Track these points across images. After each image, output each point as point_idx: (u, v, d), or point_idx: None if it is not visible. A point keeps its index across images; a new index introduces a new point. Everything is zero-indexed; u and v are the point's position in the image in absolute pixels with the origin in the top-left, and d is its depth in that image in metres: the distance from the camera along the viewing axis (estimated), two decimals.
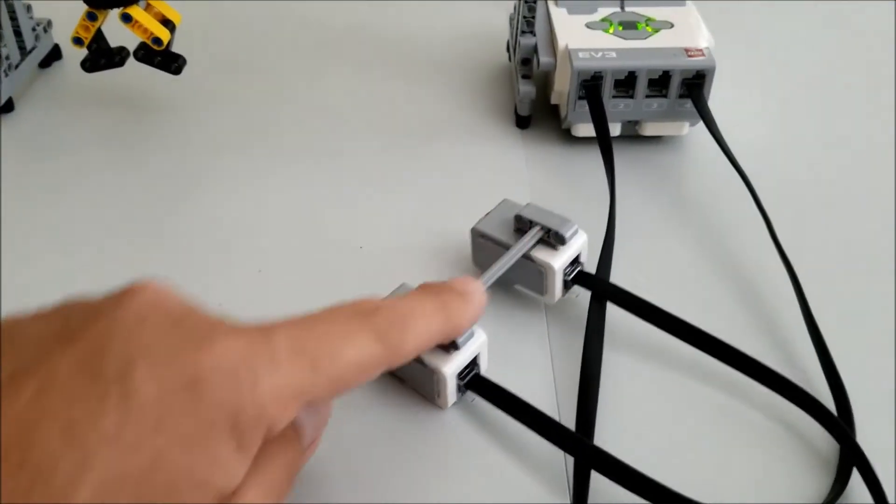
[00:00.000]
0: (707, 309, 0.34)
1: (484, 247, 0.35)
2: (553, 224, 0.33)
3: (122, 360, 0.19)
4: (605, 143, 0.40)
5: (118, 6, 0.41)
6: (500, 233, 0.34)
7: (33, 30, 0.48)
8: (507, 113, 0.48)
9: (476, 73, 0.51)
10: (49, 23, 0.50)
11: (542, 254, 0.33)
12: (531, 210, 0.34)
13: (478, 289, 0.28)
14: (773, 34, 0.55)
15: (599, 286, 0.33)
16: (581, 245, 0.34)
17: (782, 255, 0.35)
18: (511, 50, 0.49)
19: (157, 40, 0.42)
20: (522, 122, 0.46)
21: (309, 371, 0.21)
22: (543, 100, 0.46)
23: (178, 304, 0.22)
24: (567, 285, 0.34)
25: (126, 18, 0.41)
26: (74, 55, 0.51)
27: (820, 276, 0.36)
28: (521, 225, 0.34)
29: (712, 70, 0.41)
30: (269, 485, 0.22)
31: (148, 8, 0.42)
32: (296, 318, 0.23)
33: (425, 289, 0.27)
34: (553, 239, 0.33)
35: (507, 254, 0.33)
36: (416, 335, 0.25)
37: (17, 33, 0.47)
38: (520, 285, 0.35)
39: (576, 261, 0.34)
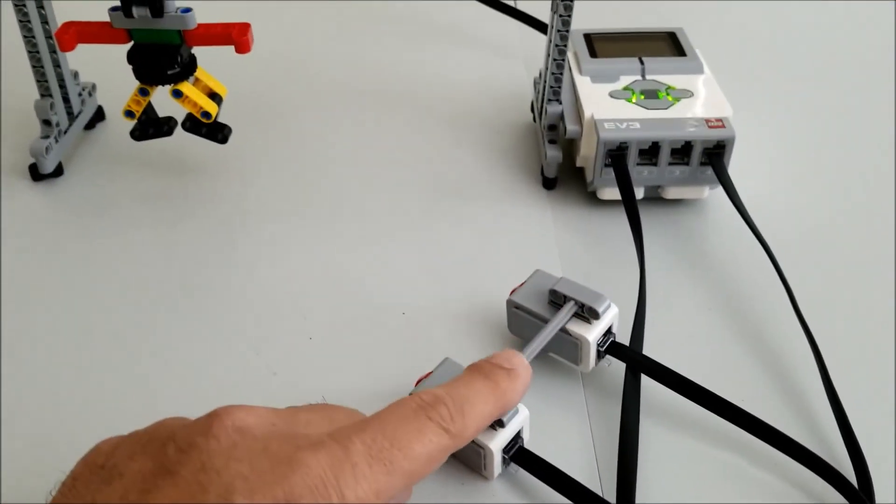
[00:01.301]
0: (732, 377, 0.36)
1: (520, 317, 0.37)
2: (587, 300, 0.35)
3: (222, 491, 0.21)
4: (632, 213, 0.43)
5: (170, 83, 0.43)
6: (536, 304, 0.37)
7: (80, 94, 0.50)
8: (533, 172, 0.50)
9: (501, 131, 0.53)
10: (94, 86, 0.52)
11: (576, 327, 0.35)
12: (565, 285, 0.36)
13: (523, 365, 0.30)
14: (789, 98, 0.57)
15: (634, 358, 0.36)
16: (613, 317, 0.36)
17: (802, 322, 0.37)
18: (537, 112, 0.52)
19: (206, 114, 0.44)
20: (549, 184, 0.48)
21: (386, 474, 0.23)
22: (569, 161, 0.49)
23: (261, 426, 0.24)
24: (600, 355, 0.36)
25: (177, 94, 0.44)
26: (117, 116, 0.53)
27: (839, 341, 0.38)
28: (556, 299, 0.36)
29: (732, 140, 0.44)
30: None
31: (196, 82, 0.45)
32: (366, 421, 0.25)
33: (475, 371, 0.29)
34: (587, 313, 0.35)
35: (546, 329, 0.35)
36: (476, 420, 0.27)
37: (66, 99, 0.49)
38: (554, 354, 0.37)
39: (608, 332, 0.36)
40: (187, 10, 0.42)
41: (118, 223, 0.46)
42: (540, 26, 0.61)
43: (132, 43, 0.43)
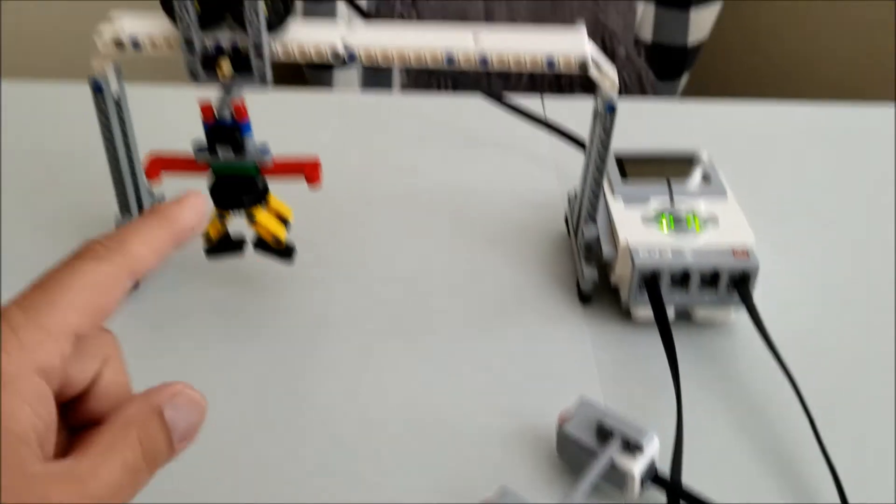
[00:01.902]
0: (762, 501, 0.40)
1: (570, 447, 0.41)
2: (632, 434, 0.39)
3: None
4: (667, 338, 0.47)
5: (246, 208, 0.47)
6: (584, 434, 0.40)
7: (151, 205, 0.54)
8: (569, 285, 0.54)
9: (536, 241, 0.58)
10: (164, 198, 0.56)
11: (622, 459, 0.39)
12: (611, 419, 0.40)
13: (172, 203, 0.30)
14: (809, 219, 0.61)
15: (675, 490, 0.40)
16: (655, 449, 0.40)
17: (823, 451, 0.41)
18: (571, 228, 0.56)
19: (277, 239, 0.48)
20: (585, 299, 0.53)
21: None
22: (603, 276, 0.53)
23: None
24: (643, 484, 0.40)
25: (251, 220, 0.48)
26: None
27: (859, 470, 0.42)
28: (603, 431, 0.40)
29: (756, 270, 0.48)
30: (104, 487, 0.25)
31: (267, 206, 0.49)
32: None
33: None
34: (632, 446, 0.39)
35: (595, 467, 0.39)
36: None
37: (140, 211, 0.53)
38: (601, 479, 0.41)
39: (651, 462, 0.40)
40: (264, 147, 0.46)
41: (192, 337, 0.50)
42: (569, 137, 0.65)
43: (213, 174, 0.47)
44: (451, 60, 0.45)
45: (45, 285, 0.26)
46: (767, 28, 1.45)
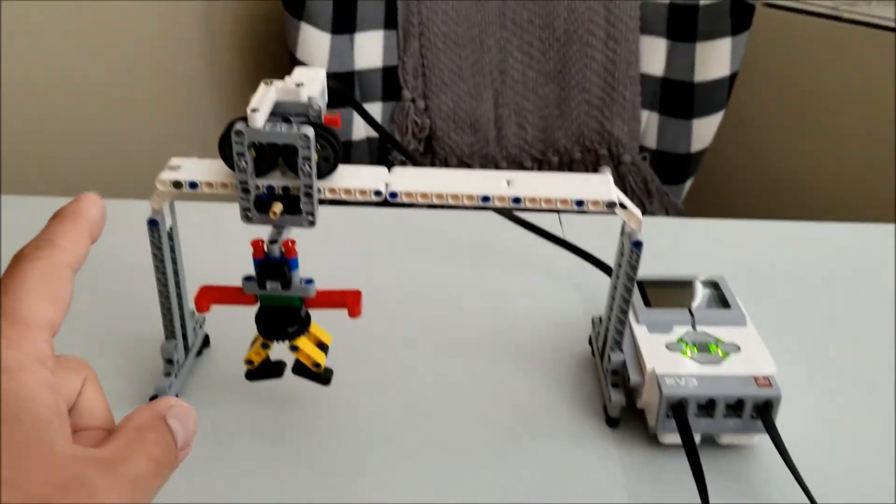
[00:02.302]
0: None
1: None
2: None
3: None
4: (695, 464, 0.48)
5: (289, 339, 0.49)
6: None
7: (194, 328, 0.57)
8: (595, 408, 0.56)
9: (561, 361, 0.60)
10: (203, 319, 0.58)
11: None
12: None
13: (80, 199, 0.33)
14: (831, 346, 0.63)
15: None
16: None
17: None
18: (597, 352, 0.58)
19: (317, 365, 0.50)
20: (613, 423, 0.54)
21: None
22: (629, 399, 0.55)
23: None
24: None
25: (293, 348, 0.50)
26: (222, 342, 0.59)
27: None
28: None
29: (778, 399, 0.50)
30: (134, 473, 0.26)
31: (307, 334, 0.51)
32: None
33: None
34: None
35: None
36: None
37: (184, 336, 0.55)
38: None
39: None
40: (309, 280, 0.49)
41: (227, 457, 0.51)
42: (591, 258, 0.68)
43: (259, 305, 0.50)
44: (486, 200, 0.48)
45: (3, 289, 0.28)
46: (768, 138, 1.51)
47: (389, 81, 1.28)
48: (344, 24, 1.22)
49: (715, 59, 1.20)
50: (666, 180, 1.29)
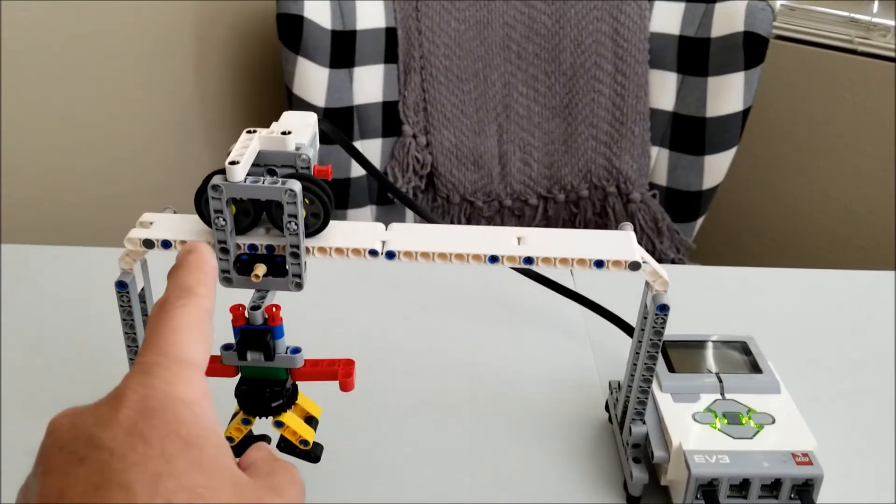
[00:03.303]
0: None
1: None
2: None
3: None
4: None
5: (273, 415, 0.44)
6: None
7: None
8: (614, 481, 0.50)
9: (575, 427, 0.54)
10: None
11: None
12: None
13: (196, 249, 0.36)
14: (874, 412, 0.57)
15: None
16: None
17: None
18: (615, 420, 0.53)
19: (305, 442, 0.45)
20: (634, 502, 0.49)
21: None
22: (651, 473, 0.49)
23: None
24: None
25: (278, 424, 0.45)
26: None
27: None
28: None
29: (820, 479, 0.45)
30: (292, 499, 0.30)
31: (294, 407, 0.46)
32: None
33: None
34: None
35: None
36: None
37: None
38: None
39: None
40: (297, 349, 0.44)
41: None
42: (604, 312, 0.63)
43: (239, 376, 0.44)
44: (494, 260, 0.43)
45: (160, 333, 0.31)
46: (782, 174, 1.46)
47: (390, 117, 1.24)
48: (342, 58, 1.18)
49: (727, 93, 1.16)
50: (677, 218, 1.24)
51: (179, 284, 0.34)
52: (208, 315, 0.33)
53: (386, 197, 1.27)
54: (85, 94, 1.05)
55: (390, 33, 1.21)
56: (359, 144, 1.23)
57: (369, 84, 1.22)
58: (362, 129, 1.23)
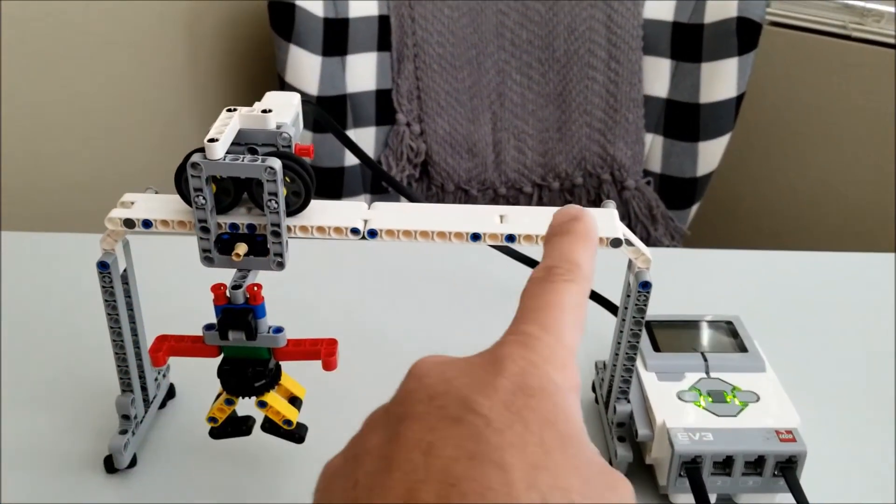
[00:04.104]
0: None
1: None
2: None
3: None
4: None
5: (256, 395, 0.44)
6: None
7: (156, 379, 0.51)
8: None
9: None
10: (168, 368, 0.53)
11: None
12: None
13: (585, 218, 0.33)
14: (859, 392, 0.57)
15: None
16: None
17: None
18: (601, 400, 0.53)
19: (288, 422, 0.45)
20: None
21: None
22: (636, 452, 0.49)
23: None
24: None
25: (262, 405, 0.45)
26: (189, 392, 0.54)
27: None
28: None
29: (804, 455, 0.45)
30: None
31: (278, 387, 0.46)
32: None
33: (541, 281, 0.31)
34: None
35: None
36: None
37: (143, 388, 0.50)
38: None
39: None
40: (279, 329, 0.44)
41: None
42: (594, 296, 0.62)
43: (222, 356, 0.44)
44: (476, 238, 0.43)
45: (546, 307, 0.29)
46: (776, 160, 1.46)
47: (383, 105, 1.24)
48: (335, 45, 1.18)
49: (721, 79, 1.16)
50: (671, 205, 1.24)
51: (567, 255, 0.31)
52: (586, 297, 0.31)
53: (380, 186, 1.27)
54: (77, 83, 1.05)
55: (383, 21, 1.20)
56: (352, 133, 1.23)
57: (362, 72, 1.21)
58: (356, 117, 1.22)
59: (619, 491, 0.27)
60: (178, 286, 0.60)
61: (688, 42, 1.18)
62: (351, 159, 1.24)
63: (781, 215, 1.49)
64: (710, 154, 1.20)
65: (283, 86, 1.18)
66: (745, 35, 1.14)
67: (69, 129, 1.06)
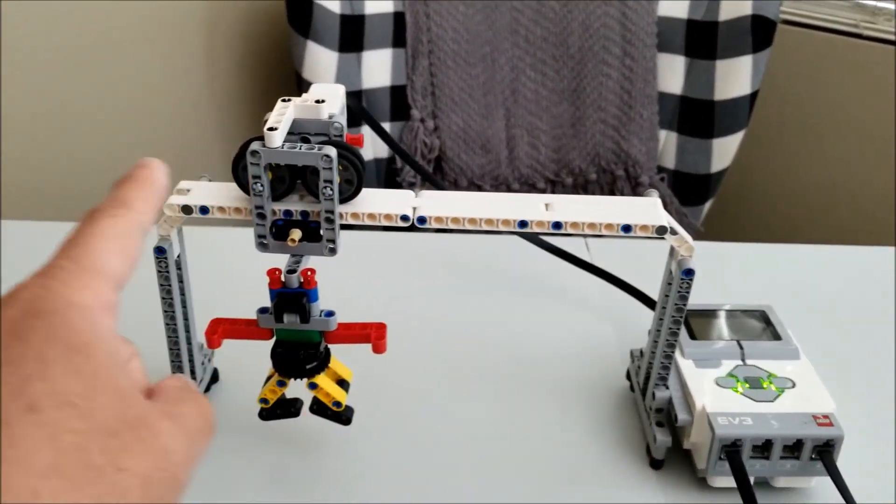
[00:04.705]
0: None
1: None
2: None
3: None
4: None
5: (307, 377, 0.45)
6: None
7: (202, 363, 0.52)
8: (637, 448, 0.52)
9: (597, 398, 0.55)
10: (212, 353, 0.54)
11: None
12: None
13: (150, 164, 0.34)
14: (891, 377, 0.58)
15: None
16: None
17: None
18: (638, 388, 0.54)
19: (338, 403, 0.46)
20: (657, 465, 0.50)
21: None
22: (674, 438, 0.50)
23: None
24: None
25: (312, 386, 0.46)
26: (232, 377, 0.55)
27: None
28: None
29: (841, 439, 0.46)
30: (188, 426, 0.28)
31: (326, 370, 0.47)
32: None
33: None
34: None
35: None
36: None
37: (192, 371, 0.51)
38: None
39: None
40: (330, 313, 0.45)
41: (237, 496, 0.47)
42: (622, 284, 0.64)
43: (275, 339, 0.45)
44: (523, 225, 0.44)
45: (77, 240, 0.30)
46: (790, 158, 1.47)
47: (398, 101, 1.25)
48: (351, 42, 1.19)
49: (735, 76, 1.17)
50: (685, 201, 1.25)
51: (118, 195, 0.32)
52: (139, 231, 0.31)
53: (394, 181, 1.28)
54: (94, 77, 1.06)
55: (398, 17, 1.21)
56: (366, 129, 1.24)
57: (377, 68, 1.22)
58: (371, 113, 1.23)
59: (186, 420, 0.28)
60: (227, 275, 0.61)
61: (702, 39, 1.19)
62: (365, 154, 1.25)
63: (795, 212, 1.50)
64: (724, 151, 1.21)
65: (300, 82, 1.19)
66: (759, 33, 1.15)
67: (86, 124, 1.07)
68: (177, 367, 0.49)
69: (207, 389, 0.54)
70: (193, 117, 1.26)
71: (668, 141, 1.24)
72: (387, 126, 1.25)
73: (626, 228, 0.44)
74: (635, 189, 1.23)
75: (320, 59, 1.17)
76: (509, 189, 1.30)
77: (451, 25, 1.22)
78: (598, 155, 1.25)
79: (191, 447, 0.28)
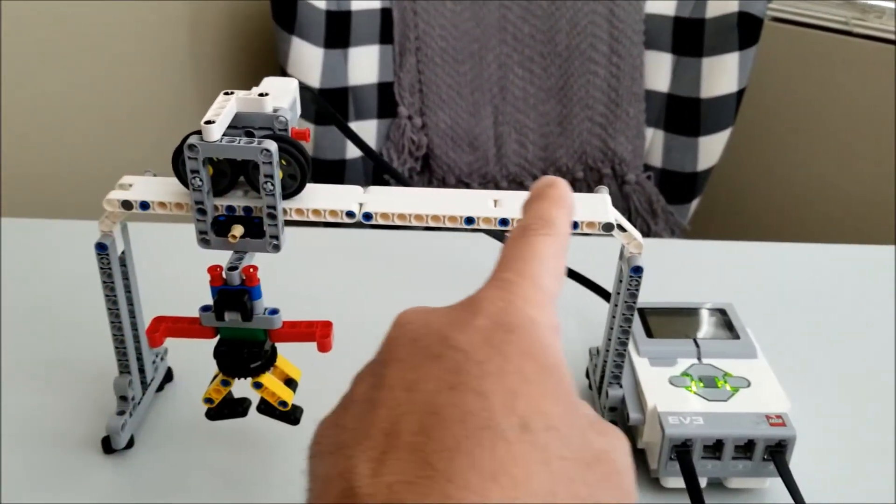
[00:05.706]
0: None
1: None
2: None
3: None
4: None
5: (252, 376, 0.45)
6: None
7: (153, 362, 0.52)
8: None
9: None
10: (165, 351, 0.54)
11: None
12: None
13: (558, 184, 0.34)
14: (848, 379, 0.57)
15: None
16: None
17: None
18: (594, 385, 0.53)
19: (284, 403, 0.46)
20: None
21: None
22: (629, 438, 0.50)
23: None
24: None
25: (257, 385, 0.45)
26: (187, 376, 0.55)
27: None
28: None
29: (793, 440, 0.45)
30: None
31: (274, 369, 0.46)
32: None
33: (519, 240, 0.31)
34: None
35: None
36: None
37: (141, 370, 0.50)
38: None
39: None
40: (274, 311, 0.44)
41: (187, 495, 0.47)
42: (584, 281, 0.63)
43: (218, 338, 0.45)
44: (470, 221, 0.43)
45: (518, 255, 0.30)
46: (777, 155, 1.46)
47: (385, 98, 1.24)
48: (337, 38, 1.19)
49: (722, 74, 1.16)
50: (671, 200, 1.24)
51: (540, 214, 0.32)
52: (565, 251, 0.32)
53: (381, 178, 1.28)
54: (80, 72, 1.06)
55: (385, 14, 1.21)
56: (354, 125, 1.23)
57: (364, 65, 1.22)
58: (357, 110, 1.23)
59: (610, 438, 0.27)
60: (175, 271, 0.61)
61: (689, 37, 1.18)
62: (353, 152, 1.25)
63: (782, 210, 1.49)
64: (711, 149, 1.20)
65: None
66: (746, 30, 1.14)
67: (71, 118, 1.06)
68: (124, 367, 0.49)
69: (161, 388, 0.54)
70: (178, 112, 1.25)
71: (654, 139, 1.24)
72: (374, 123, 1.25)
73: (574, 225, 0.43)
74: (622, 187, 1.23)
75: (305, 56, 1.17)
76: (497, 186, 1.29)
77: (438, 22, 1.22)
78: (585, 153, 1.24)
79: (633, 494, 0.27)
